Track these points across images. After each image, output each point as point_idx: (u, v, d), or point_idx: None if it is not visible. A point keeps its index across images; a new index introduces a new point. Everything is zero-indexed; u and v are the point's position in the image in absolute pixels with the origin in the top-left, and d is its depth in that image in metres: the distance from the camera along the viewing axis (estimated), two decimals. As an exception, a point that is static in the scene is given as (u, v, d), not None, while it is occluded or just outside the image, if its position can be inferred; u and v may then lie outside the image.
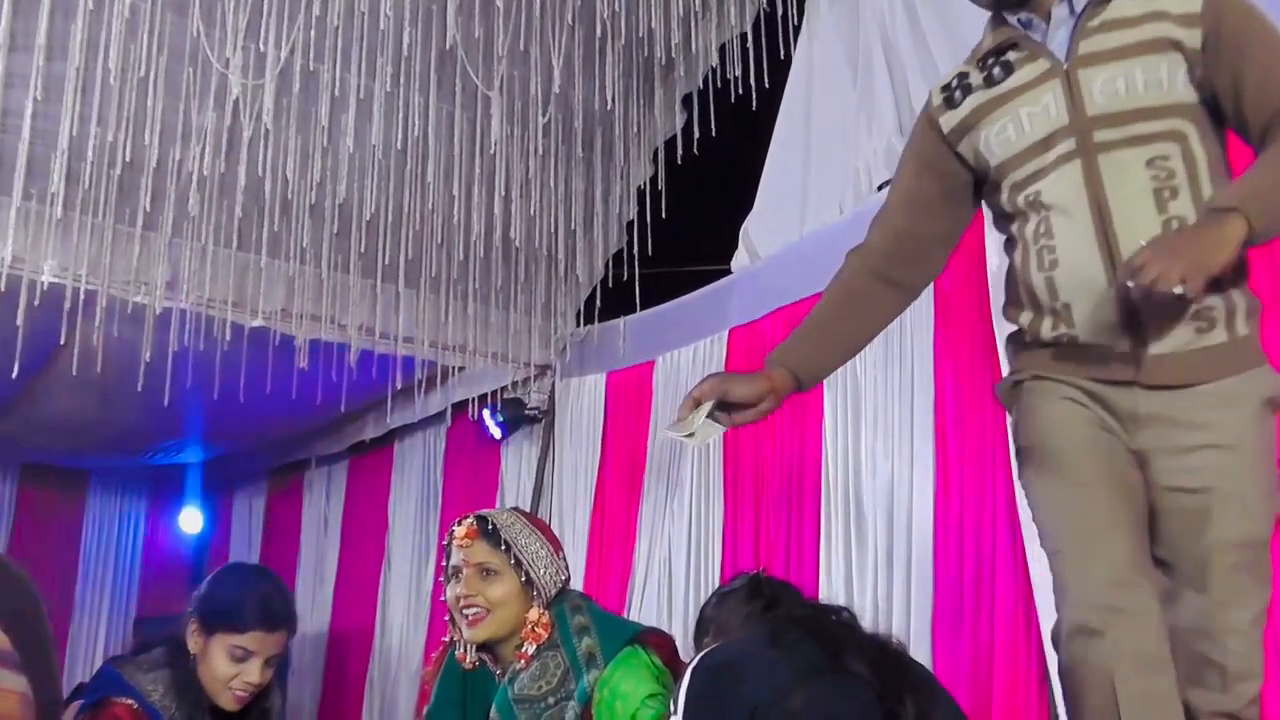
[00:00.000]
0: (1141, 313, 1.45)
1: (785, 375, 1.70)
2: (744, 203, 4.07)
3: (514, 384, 4.75)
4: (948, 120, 1.68)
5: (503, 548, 2.14)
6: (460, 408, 4.85)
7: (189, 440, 6.06)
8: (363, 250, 3.97)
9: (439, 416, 5.14)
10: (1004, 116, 1.60)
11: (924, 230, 1.75)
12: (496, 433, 4.85)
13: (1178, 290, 1.31)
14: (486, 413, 4.78)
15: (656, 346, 4.26)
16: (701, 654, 1.56)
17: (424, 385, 4.59)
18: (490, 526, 2.18)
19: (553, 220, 4.30)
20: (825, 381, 3.21)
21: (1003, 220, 1.68)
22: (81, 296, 3.41)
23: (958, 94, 1.67)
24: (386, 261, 3.95)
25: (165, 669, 2.20)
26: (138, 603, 6.57)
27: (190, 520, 6.76)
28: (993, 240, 2.81)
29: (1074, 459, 1.52)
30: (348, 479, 5.89)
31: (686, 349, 4.07)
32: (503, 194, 4.00)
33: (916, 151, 1.76)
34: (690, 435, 1.66)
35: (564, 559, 2.24)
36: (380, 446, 5.60)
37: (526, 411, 4.77)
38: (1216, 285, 1.40)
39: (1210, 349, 1.48)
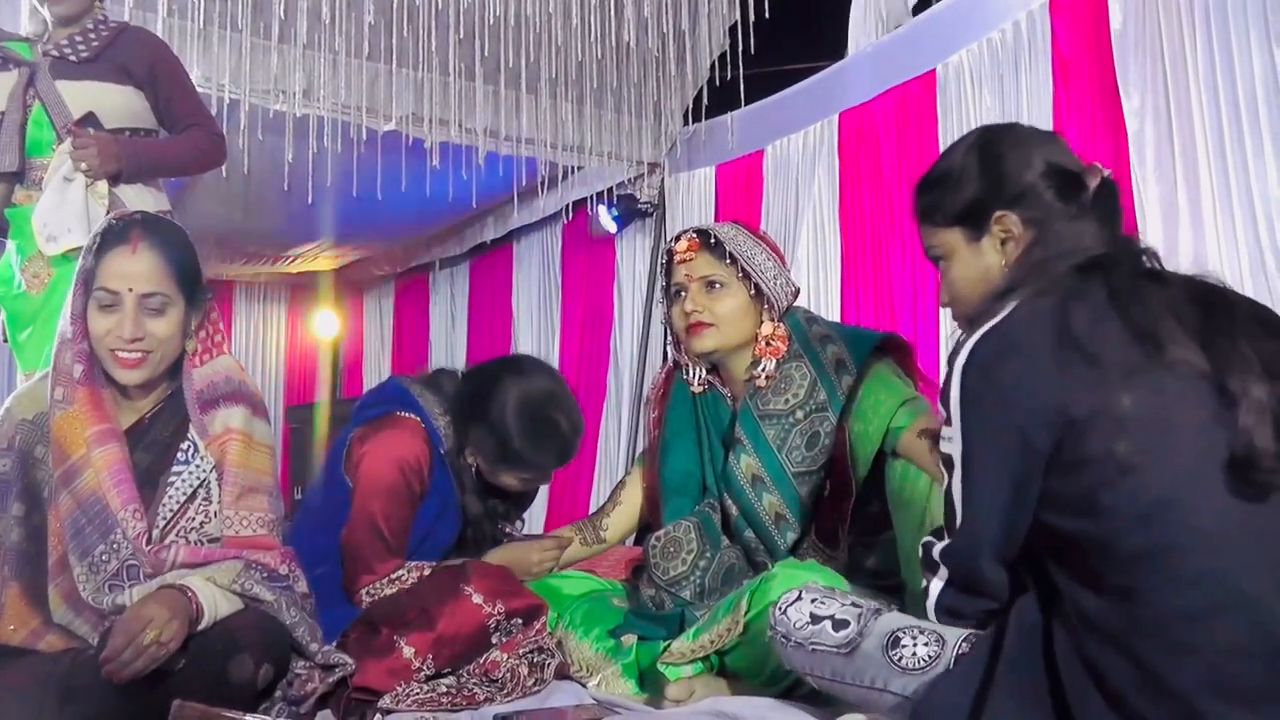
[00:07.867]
0: None
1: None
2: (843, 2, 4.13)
3: (627, 181, 5.07)
4: None
5: (728, 260, 2.00)
6: (577, 206, 5.20)
7: (322, 246, 6.51)
8: (485, 55, 4.23)
9: (554, 217, 5.51)
10: None
11: None
12: (612, 226, 5.20)
13: None
14: (602, 208, 5.13)
15: (765, 136, 4.43)
16: (966, 349, 1.19)
17: (544, 185, 4.92)
18: (713, 239, 2.02)
19: (661, 23, 4.48)
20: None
21: None
22: (225, 105, 3.67)
23: None
24: (509, 65, 4.21)
25: (447, 400, 2.10)
26: (284, 396, 7.20)
27: (326, 323, 7.33)
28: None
29: None
30: (470, 278, 6.32)
31: (796, 135, 4.22)
32: (615, -3, 4.19)
33: None
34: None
35: (789, 271, 2.09)
36: (499, 247, 5.99)
37: (639, 206, 5.10)
38: None
39: None
